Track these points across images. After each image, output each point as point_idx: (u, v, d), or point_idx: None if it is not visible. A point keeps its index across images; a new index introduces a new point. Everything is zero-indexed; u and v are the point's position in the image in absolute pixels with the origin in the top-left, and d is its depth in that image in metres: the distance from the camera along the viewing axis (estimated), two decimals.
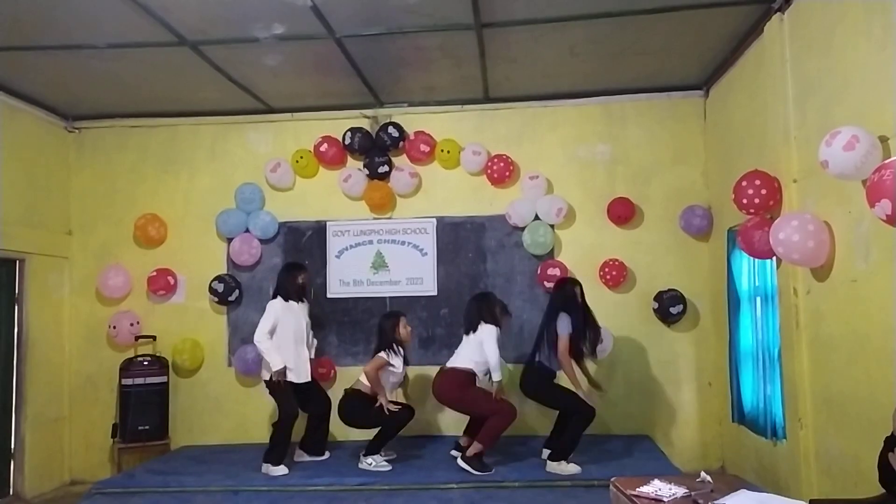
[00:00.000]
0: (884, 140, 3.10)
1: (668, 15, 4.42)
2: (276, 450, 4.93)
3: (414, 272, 6.05)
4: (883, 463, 2.49)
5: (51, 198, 6.03)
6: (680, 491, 2.55)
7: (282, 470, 4.87)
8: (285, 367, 4.93)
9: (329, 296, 6.08)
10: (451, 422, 5.80)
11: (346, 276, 6.08)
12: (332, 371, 5.97)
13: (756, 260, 4.67)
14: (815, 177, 3.69)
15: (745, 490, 2.59)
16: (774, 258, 4.26)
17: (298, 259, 6.11)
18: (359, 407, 4.99)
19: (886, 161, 2.86)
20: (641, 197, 5.90)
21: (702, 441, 5.74)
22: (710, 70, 5.48)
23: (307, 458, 5.23)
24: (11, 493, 5.46)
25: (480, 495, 4.43)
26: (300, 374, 5.06)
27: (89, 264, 6.16)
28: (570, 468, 4.67)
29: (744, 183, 4.24)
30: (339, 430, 5.64)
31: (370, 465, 4.91)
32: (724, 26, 4.66)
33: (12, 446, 5.51)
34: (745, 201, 4.22)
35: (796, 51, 4.07)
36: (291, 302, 5.12)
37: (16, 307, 5.63)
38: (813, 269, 3.84)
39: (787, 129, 4.12)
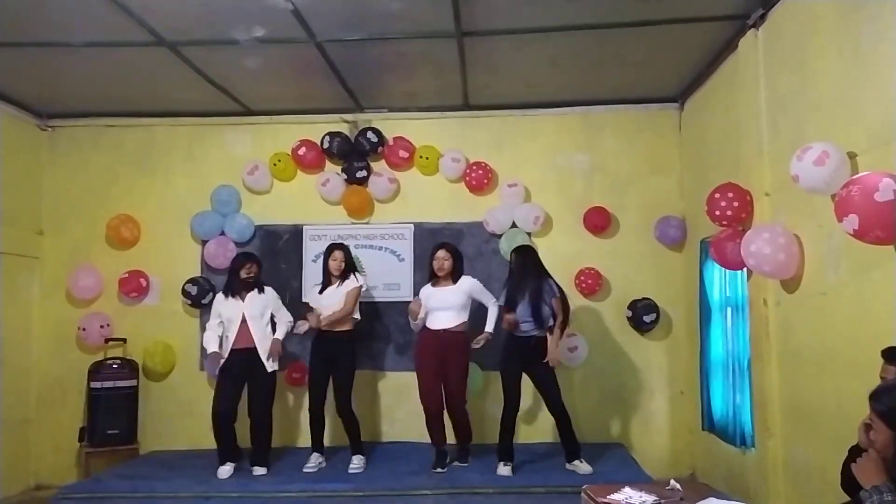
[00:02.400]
0: (852, 156, 3.18)
1: (647, 29, 4.49)
2: (218, 450, 4.97)
3: (391, 278, 6.04)
4: (846, 470, 2.54)
5: (22, 196, 5.91)
6: (650, 499, 2.58)
7: (222, 472, 4.85)
8: (214, 353, 4.97)
9: (305, 300, 6.03)
10: (417, 428, 5.77)
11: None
12: (307, 376, 5.91)
13: (728, 271, 4.75)
14: (787, 190, 3.77)
15: (713, 498, 2.63)
16: (745, 269, 4.33)
17: (275, 263, 6.08)
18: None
19: (854, 177, 2.94)
20: (618, 206, 5.97)
21: (673, 449, 5.80)
22: (686, 83, 5.58)
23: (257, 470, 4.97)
24: None
25: (454, 502, 4.44)
26: (226, 366, 5.03)
27: (60, 265, 6.04)
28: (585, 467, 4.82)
29: (717, 195, 4.31)
30: (297, 435, 5.62)
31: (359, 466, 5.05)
32: (700, 41, 4.74)
33: None
34: (717, 213, 4.29)
35: (770, 66, 4.16)
36: (237, 298, 5.07)
37: None
38: (783, 281, 3.91)
39: (760, 143, 4.20)
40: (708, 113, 5.32)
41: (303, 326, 5.16)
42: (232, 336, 5.00)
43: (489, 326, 5.00)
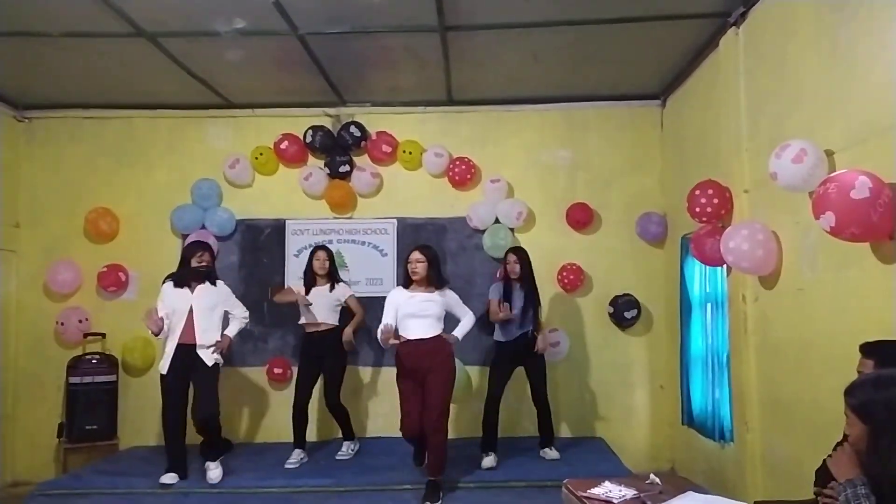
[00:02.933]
0: (830, 154, 3.22)
1: (629, 26, 4.51)
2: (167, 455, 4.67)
3: (374, 272, 6.03)
4: (821, 471, 2.58)
5: None
6: (630, 492, 2.60)
7: (166, 478, 4.56)
8: (159, 317, 4.58)
9: None
10: (395, 423, 5.80)
11: None
12: (289, 371, 5.90)
13: (708, 267, 4.80)
14: (765, 188, 3.81)
15: (692, 492, 2.66)
16: (725, 266, 4.38)
17: (256, 257, 6.05)
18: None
19: (831, 175, 2.97)
20: (600, 203, 6.00)
21: (653, 443, 5.86)
22: (668, 80, 5.61)
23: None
24: None
25: None
26: (165, 364, 4.63)
27: (38, 258, 5.96)
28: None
29: (697, 192, 4.35)
30: (279, 430, 5.62)
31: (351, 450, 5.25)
32: (681, 38, 4.77)
33: None
34: (697, 210, 4.33)
35: (750, 65, 4.19)
36: (186, 288, 4.67)
37: None
38: (761, 277, 3.96)
39: (740, 141, 4.25)
40: (689, 110, 5.36)
41: (295, 296, 5.25)
42: (178, 330, 4.59)
43: (459, 333, 4.63)
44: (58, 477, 5.33)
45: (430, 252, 4.55)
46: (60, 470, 5.61)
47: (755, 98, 4.12)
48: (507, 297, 5.05)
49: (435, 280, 4.50)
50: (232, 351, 4.99)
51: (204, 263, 4.71)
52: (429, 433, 4.33)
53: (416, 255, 4.49)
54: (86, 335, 5.80)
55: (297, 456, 5.10)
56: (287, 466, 4.97)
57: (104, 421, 5.66)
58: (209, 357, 4.63)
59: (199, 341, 4.60)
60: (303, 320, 5.29)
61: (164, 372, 4.62)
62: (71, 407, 5.62)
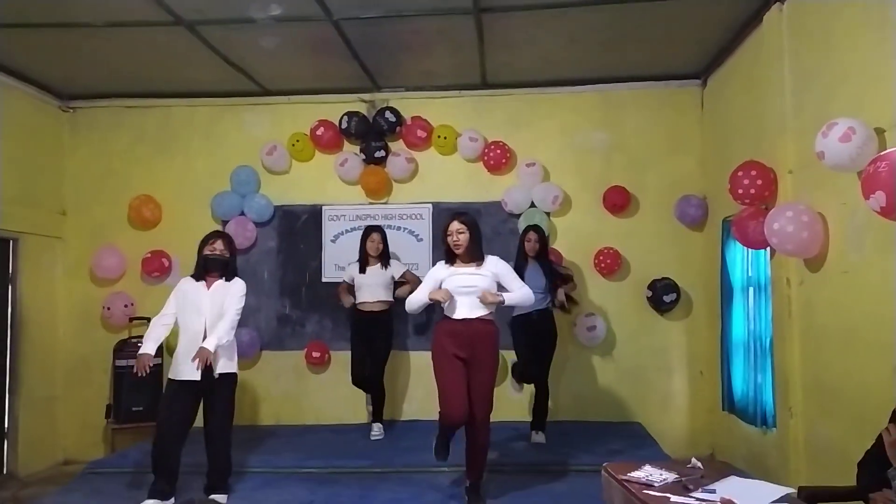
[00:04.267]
0: (880, 132, 3.11)
1: (668, 3, 4.40)
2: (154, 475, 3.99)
3: (409, 257, 6.04)
4: (863, 461, 2.52)
5: (45, 177, 5.99)
6: (671, 476, 2.58)
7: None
8: (145, 358, 4.03)
9: (324, 280, 6.09)
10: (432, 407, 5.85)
11: (342, 261, 6.06)
12: (327, 355, 5.98)
13: (750, 250, 4.70)
14: (811, 168, 3.71)
15: (734, 476, 2.62)
16: (768, 248, 4.28)
17: (294, 243, 6.12)
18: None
19: (882, 153, 2.88)
20: (637, 186, 5.91)
21: (692, 429, 5.79)
22: (709, 59, 5.48)
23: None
24: (6, 471, 5.47)
25: None
26: (176, 369, 4.02)
27: (83, 245, 6.13)
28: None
29: (740, 173, 4.25)
30: (317, 413, 5.70)
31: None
32: (723, 15, 4.65)
33: (6, 426, 5.52)
34: (740, 191, 4.23)
35: (795, 42, 4.07)
36: (202, 283, 4.12)
37: (9, 287, 5.61)
38: (806, 260, 3.87)
39: (784, 120, 4.13)
40: (730, 90, 5.23)
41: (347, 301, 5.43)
42: (190, 329, 4.03)
43: (508, 298, 3.93)
44: (106, 456, 5.52)
45: (470, 219, 3.99)
46: (108, 449, 5.81)
47: (800, 75, 4.00)
48: (520, 273, 4.69)
49: (477, 252, 3.95)
50: (218, 360, 4.05)
51: (217, 252, 4.11)
52: (477, 431, 3.88)
53: (455, 224, 3.92)
54: (131, 319, 5.96)
55: (377, 429, 5.40)
56: (373, 438, 5.33)
57: (149, 402, 5.80)
58: (222, 363, 4.04)
59: (215, 342, 3.97)
60: (357, 300, 5.39)
61: (171, 376, 4.03)
62: (117, 389, 5.79)
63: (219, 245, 4.13)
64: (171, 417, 3.99)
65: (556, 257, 5.74)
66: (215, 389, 4.02)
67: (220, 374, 4.02)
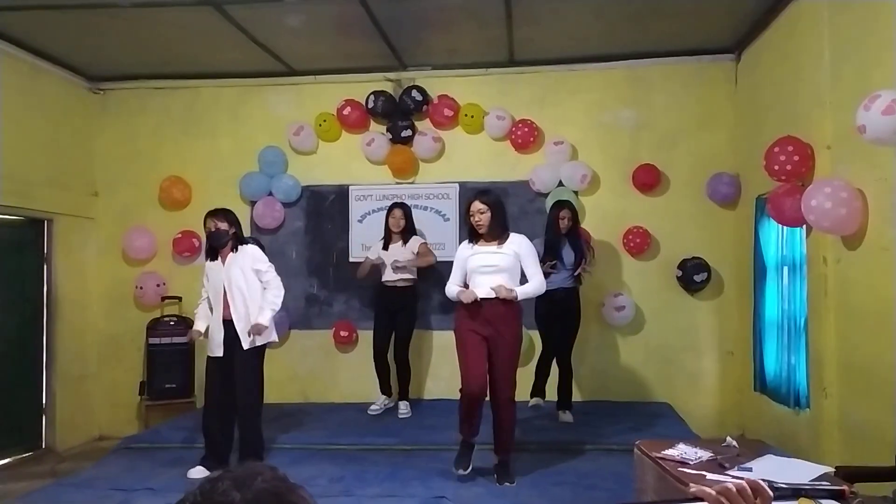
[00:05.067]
0: None
1: None
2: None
3: (436, 237, 6.03)
4: None
5: (76, 159, 6.07)
6: (706, 454, 2.55)
7: (194, 472, 4.10)
8: (194, 333, 4.36)
9: (351, 259, 6.11)
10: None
11: (369, 241, 6.06)
12: (354, 334, 6.02)
13: (785, 228, 4.60)
14: (849, 142, 3.60)
15: (771, 455, 2.59)
16: (804, 226, 4.19)
17: (321, 223, 6.15)
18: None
19: None
20: (667, 164, 5.81)
21: (720, 409, 5.73)
22: (743, 32, 5.33)
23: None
24: (44, 446, 5.62)
25: None
26: (209, 346, 4.27)
27: (114, 225, 6.22)
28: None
29: (776, 149, 4.15)
30: (344, 391, 5.73)
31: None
32: None
33: (44, 402, 5.66)
34: (776, 168, 4.14)
35: (834, 11, 3.94)
36: (219, 260, 4.27)
37: (44, 266, 5.72)
38: (844, 238, 3.77)
39: (822, 94, 4.02)
40: (765, 63, 5.09)
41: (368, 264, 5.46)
42: (219, 306, 4.21)
43: (520, 291, 3.92)
44: (140, 432, 5.63)
45: (492, 198, 3.98)
46: (142, 425, 5.93)
47: (839, 47, 3.88)
48: (555, 251, 5.07)
49: (499, 230, 3.96)
50: (271, 334, 4.36)
51: (213, 229, 4.19)
52: (501, 409, 3.95)
53: (476, 204, 3.95)
54: (163, 298, 6.05)
55: (380, 401, 5.45)
56: (370, 412, 5.35)
57: (181, 380, 5.93)
58: (245, 338, 4.17)
59: (235, 320, 4.16)
60: (384, 277, 5.43)
61: (209, 353, 4.27)
62: (150, 366, 5.90)
63: (211, 223, 4.22)
64: (210, 392, 4.25)
65: (584, 237, 5.69)
66: (241, 363, 4.17)
67: (245, 349, 4.17)
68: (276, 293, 4.26)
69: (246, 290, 4.19)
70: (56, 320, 5.74)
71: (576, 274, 5.19)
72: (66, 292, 5.85)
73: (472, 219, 3.97)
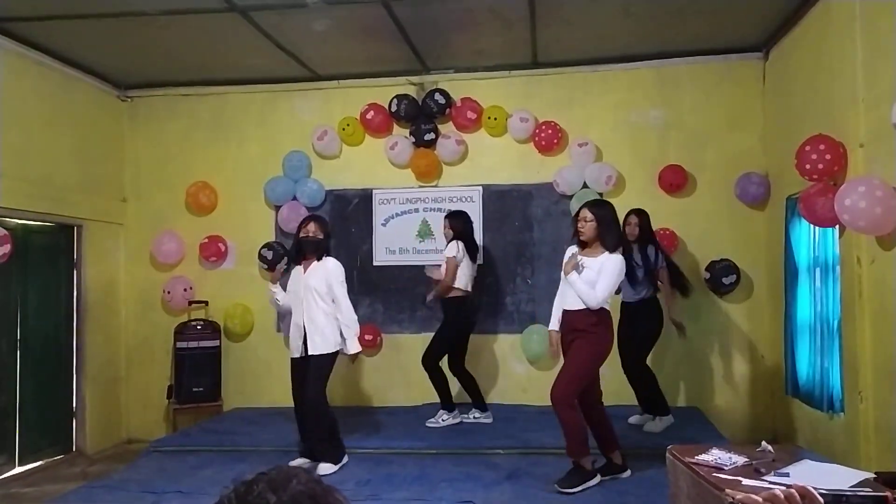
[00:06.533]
0: None
1: None
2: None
3: None
4: None
5: (106, 165, 6.17)
6: (740, 460, 2.50)
7: (325, 468, 4.31)
8: (272, 293, 4.54)
9: (375, 263, 6.12)
10: (499, 390, 5.86)
11: (393, 244, 6.09)
12: (378, 338, 6.02)
13: (817, 228, 4.51)
14: (884, 140, 3.53)
15: (808, 460, 2.53)
16: (837, 226, 4.10)
17: (345, 227, 6.16)
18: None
19: None
20: (695, 164, 5.73)
21: (752, 413, 5.63)
22: (772, 30, 5.25)
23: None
24: (74, 448, 5.71)
25: (526, 461, 4.46)
26: (290, 347, 4.49)
27: (143, 231, 6.30)
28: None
29: (807, 148, 4.07)
30: (369, 395, 5.72)
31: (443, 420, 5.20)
32: None
33: (74, 405, 5.75)
34: (808, 167, 4.06)
35: (867, 6, 3.85)
36: (301, 266, 4.45)
37: (74, 271, 5.82)
38: (878, 238, 3.68)
39: (855, 91, 3.93)
40: (796, 61, 5.00)
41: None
42: (298, 311, 4.37)
43: (574, 277, 3.92)
44: (169, 435, 5.69)
45: (601, 211, 3.97)
46: (171, 428, 6.00)
47: (873, 44, 3.79)
48: (627, 261, 4.38)
49: (600, 243, 3.93)
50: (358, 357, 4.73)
51: (310, 235, 4.35)
52: (554, 408, 3.92)
53: (583, 211, 3.98)
54: (191, 303, 6.11)
55: (439, 415, 5.23)
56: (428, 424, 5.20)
57: (209, 383, 5.98)
58: (314, 344, 4.31)
59: (308, 328, 4.31)
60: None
61: (290, 355, 4.48)
62: (178, 370, 5.96)
63: (311, 227, 4.40)
64: (294, 389, 4.42)
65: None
66: (309, 366, 4.34)
67: (312, 355, 4.34)
68: (348, 315, 4.40)
69: (321, 299, 4.34)
70: (87, 324, 5.82)
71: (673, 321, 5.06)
72: (97, 297, 5.94)
73: (577, 223, 4.01)
